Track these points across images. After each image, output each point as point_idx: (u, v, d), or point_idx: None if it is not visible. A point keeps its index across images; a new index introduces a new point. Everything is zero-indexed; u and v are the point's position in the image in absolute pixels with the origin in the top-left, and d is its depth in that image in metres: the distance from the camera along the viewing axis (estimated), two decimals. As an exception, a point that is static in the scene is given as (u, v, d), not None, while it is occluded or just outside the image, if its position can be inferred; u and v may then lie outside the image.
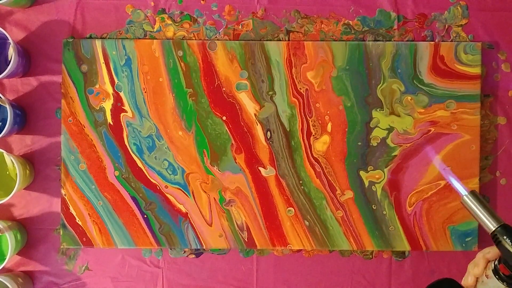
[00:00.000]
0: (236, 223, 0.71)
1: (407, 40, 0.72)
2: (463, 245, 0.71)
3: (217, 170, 0.71)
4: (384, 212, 0.71)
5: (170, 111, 0.71)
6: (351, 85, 0.71)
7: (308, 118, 0.71)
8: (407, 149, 0.71)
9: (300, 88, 0.71)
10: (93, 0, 0.72)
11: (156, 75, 0.70)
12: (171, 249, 0.72)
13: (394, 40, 0.72)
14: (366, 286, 0.72)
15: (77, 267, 0.72)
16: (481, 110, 0.71)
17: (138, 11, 0.72)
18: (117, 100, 0.70)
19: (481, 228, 0.71)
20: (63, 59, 0.70)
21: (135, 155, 0.71)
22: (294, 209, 0.71)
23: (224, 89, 0.71)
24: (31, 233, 0.72)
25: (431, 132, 0.71)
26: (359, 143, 0.71)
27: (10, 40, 0.66)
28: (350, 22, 0.72)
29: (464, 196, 0.48)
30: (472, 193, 0.47)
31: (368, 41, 0.72)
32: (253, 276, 0.72)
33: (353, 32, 0.72)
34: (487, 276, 0.47)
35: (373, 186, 0.71)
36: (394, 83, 0.71)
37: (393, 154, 0.71)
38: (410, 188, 0.71)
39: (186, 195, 0.71)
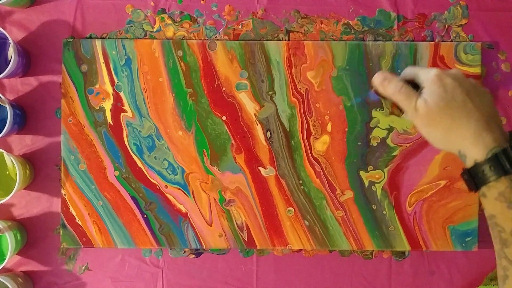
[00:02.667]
0: (236, 223, 0.71)
1: (407, 40, 0.72)
2: (463, 245, 0.71)
3: (217, 170, 0.71)
4: (384, 212, 0.71)
5: (170, 111, 0.71)
6: (351, 85, 0.71)
7: (308, 118, 0.71)
8: (407, 149, 0.71)
9: (300, 88, 0.71)
10: (93, 0, 0.72)
11: (156, 75, 0.70)
12: (171, 249, 0.72)
13: (394, 40, 0.72)
14: (366, 286, 0.72)
15: (77, 267, 0.72)
16: (481, 110, 0.71)
17: (138, 11, 0.72)
18: (117, 100, 0.70)
19: (481, 228, 0.71)
20: (63, 59, 0.70)
21: (135, 155, 0.71)
22: (294, 209, 0.71)
23: (224, 89, 0.71)
24: (31, 233, 0.72)
25: (431, 132, 0.71)
26: (359, 143, 0.71)
27: (10, 40, 0.66)
28: (350, 22, 0.72)
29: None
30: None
31: (368, 41, 0.72)
32: (253, 276, 0.72)
33: (353, 32, 0.72)
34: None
35: (373, 186, 0.71)
36: (394, 83, 0.71)
37: (393, 154, 0.71)
38: (410, 188, 0.71)
39: (186, 195, 0.71)
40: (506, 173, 0.46)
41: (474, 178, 0.48)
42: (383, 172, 0.71)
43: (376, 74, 0.54)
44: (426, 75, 0.51)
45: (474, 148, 0.48)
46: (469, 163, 0.49)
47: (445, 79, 0.49)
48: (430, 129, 0.50)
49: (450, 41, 0.72)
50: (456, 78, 0.50)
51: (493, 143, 0.47)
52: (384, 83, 0.53)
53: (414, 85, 0.52)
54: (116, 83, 0.70)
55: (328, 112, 0.71)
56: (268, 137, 0.71)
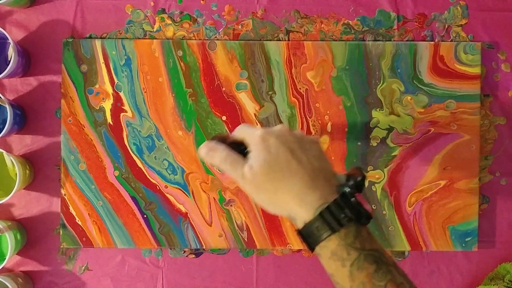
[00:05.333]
0: (236, 223, 0.71)
1: (407, 40, 0.72)
2: (463, 245, 0.71)
3: (217, 170, 0.71)
4: (384, 212, 0.71)
5: (170, 111, 0.71)
6: (351, 85, 0.71)
7: (308, 118, 0.71)
8: (407, 149, 0.71)
9: (300, 88, 0.71)
10: (93, 0, 0.72)
11: (156, 75, 0.70)
12: (171, 249, 0.72)
13: (394, 40, 0.72)
14: (366, 286, 0.72)
15: (77, 267, 0.72)
16: (481, 110, 0.71)
17: (138, 11, 0.72)
18: (117, 100, 0.70)
19: (481, 228, 0.71)
20: (63, 59, 0.70)
21: (135, 155, 0.71)
22: (294, 209, 0.71)
23: (224, 89, 0.71)
24: (31, 233, 0.72)
25: (431, 132, 0.71)
26: (359, 143, 0.71)
27: (10, 40, 0.66)
28: (350, 22, 0.72)
29: None
30: None
31: (368, 41, 0.72)
32: (253, 276, 0.72)
33: (353, 32, 0.72)
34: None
35: (373, 186, 0.71)
36: (394, 83, 0.71)
37: (393, 154, 0.71)
38: (410, 188, 0.71)
39: (186, 195, 0.71)
40: (334, 231, 0.45)
41: (306, 239, 0.46)
42: (383, 172, 0.71)
43: (200, 147, 0.50)
44: (252, 136, 0.48)
45: (301, 209, 0.46)
46: (299, 225, 0.47)
47: (269, 140, 0.47)
48: (259, 195, 0.48)
49: (450, 41, 0.72)
50: (280, 136, 0.47)
51: (318, 201, 0.45)
52: (209, 154, 0.50)
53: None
54: (116, 83, 0.70)
55: (328, 112, 0.71)
56: (268, 137, 0.71)
